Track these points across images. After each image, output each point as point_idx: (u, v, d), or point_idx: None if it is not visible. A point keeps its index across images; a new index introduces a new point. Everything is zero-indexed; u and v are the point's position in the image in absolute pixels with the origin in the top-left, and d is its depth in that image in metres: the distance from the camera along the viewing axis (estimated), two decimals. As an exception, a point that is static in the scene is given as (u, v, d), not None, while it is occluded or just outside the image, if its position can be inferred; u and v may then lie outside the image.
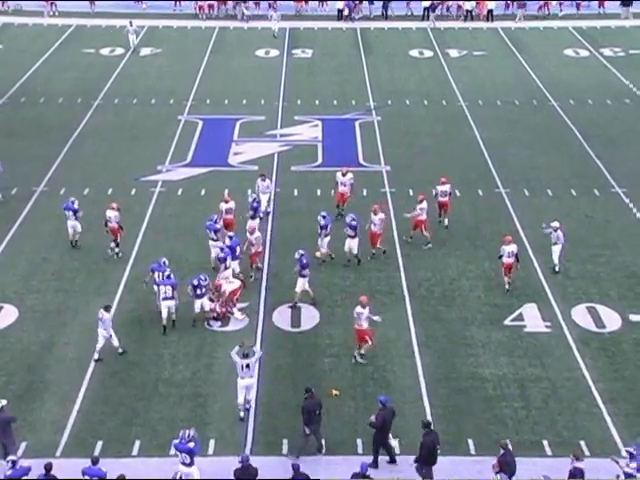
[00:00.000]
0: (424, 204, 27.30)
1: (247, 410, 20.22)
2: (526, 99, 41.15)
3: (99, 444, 19.28)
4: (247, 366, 19.90)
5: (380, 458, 18.76)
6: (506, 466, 17.26)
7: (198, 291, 23.12)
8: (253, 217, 26.92)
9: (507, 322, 23.94)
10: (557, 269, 26.13)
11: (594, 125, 37.86)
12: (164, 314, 23.20)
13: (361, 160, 34.48)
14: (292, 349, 22.70)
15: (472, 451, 19.07)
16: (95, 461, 17.26)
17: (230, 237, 25.37)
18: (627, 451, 17.56)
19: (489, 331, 23.49)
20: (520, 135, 36.96)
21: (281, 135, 36.99)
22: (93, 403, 20.59)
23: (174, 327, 23.34)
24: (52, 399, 20.68)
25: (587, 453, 18.74)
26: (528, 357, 22.45)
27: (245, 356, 19.99)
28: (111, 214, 26.80)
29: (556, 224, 25.98)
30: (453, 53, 48.29)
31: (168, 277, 23.36)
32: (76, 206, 27.31)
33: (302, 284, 24.17)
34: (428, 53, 48.38)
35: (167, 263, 23.97)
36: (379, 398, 18.89)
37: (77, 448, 19.10)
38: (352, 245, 26.14)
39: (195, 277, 23.41)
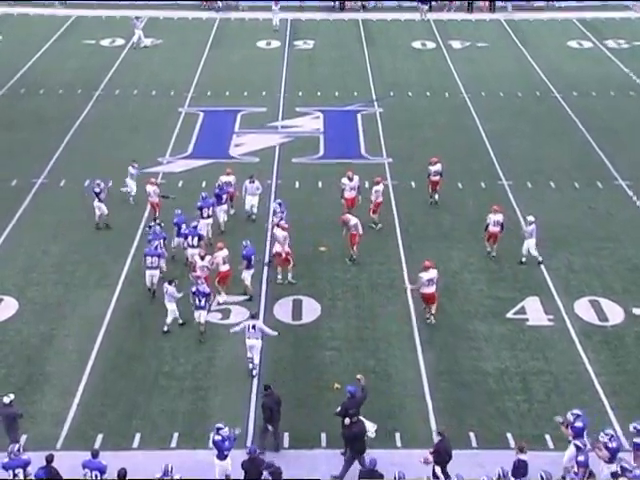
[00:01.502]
0: (380, 187, 27.78)
1: (255, 375, 21.11)
2: (529, 91, 41.03)
3: (99, 437, 19.28)
4: (253, 327, 20.84)
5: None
6: (443, 453, 17.29)
7: (197, 301, 22.41)
8: (219, 203, 27.37)
9: (509, 315, 23.90)
10: (523, 260, 26.10)
11: (597, 117, 37.76)
12: (147, 282, 24.23)
13: (363, 152, 34.40)
14: (293, 342, 22.68)
15: (474, 444, 19.06)
16: (95, 454, 17.22)
17: (177, 214, 26.04)
18: (635, 427, 17.63)
19: (491, 324, 23.46)
20: (523, 127, 36.87)
21: (282, 127, 36.91)
22: (93, 396, 20.59)
23: (154, 297, 24.05)
24: (52, 392, 20.67)
25: (589, 447, 18.69)
26: (530, 350, 22.42)
27: (252, 317, 21.26)
28: (150, 189, 27.83)
29: (532, 218, 26.01)
30: (456, 45, 48.13)
31: (156, 248, 24.24)
32: (97, 189, 27.68)
33: (247, 276, 24.13)
34: (431, 44, 48.24)
35: (160, 229, 25.07)
36: (347, 388, 18.69)
37: (77, 441, 19.11)
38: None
39: (193, 285, 22.83)
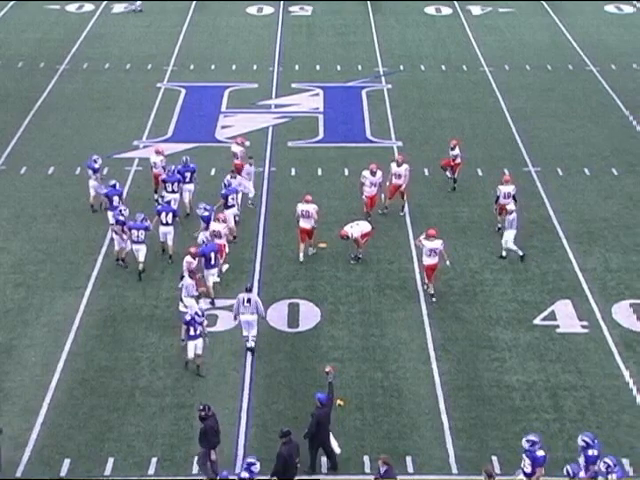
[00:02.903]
0: (405, 166, 28.38)
1: (252, 350, 22.33)
2: (560, 64, 41.09)
3: (66, 462, 19.29)
4: (248, 300, 22.04)
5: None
6: None
7: (192, 331, 21.61)
8: (184, 182, 28.12)
9: (537, 321, 23.96)
10: (504, 254, 26.48)
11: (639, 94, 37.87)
12: (139, 258, 25.38)
13: (369, 135, 34.46)
14: (289, 352, 22.74)
15: (497, 470, 19.09)
16: (62, 482, 17.32)
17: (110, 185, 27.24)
18: (584, 440, 17.82)
19: (516, 332, 23.51)
20: (553, 105, 36.93)
21: (276, 106, 36.96)
22: (59, 415, 20.61)
23: (144, 272, 25.23)
24: (12, 410, 20.67)
25: (631, 473, 18.77)
26: (561, 362, 22.47)
27: (247, 290, 22.27)
28: (156, 159, 28.84)
29: (512, 207, 26.33)
30: (475, 10, 48.19)
31: (142, 220, 25.40)
32: (97, 165, 28.36)
33: (207, 276, 24.45)
34: (446, 10, 48.29)
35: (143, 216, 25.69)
36: (317, 395, 18.95)
37: (41, 467, 19.11)
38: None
39: (187, 313, 22.09)
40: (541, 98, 37.56)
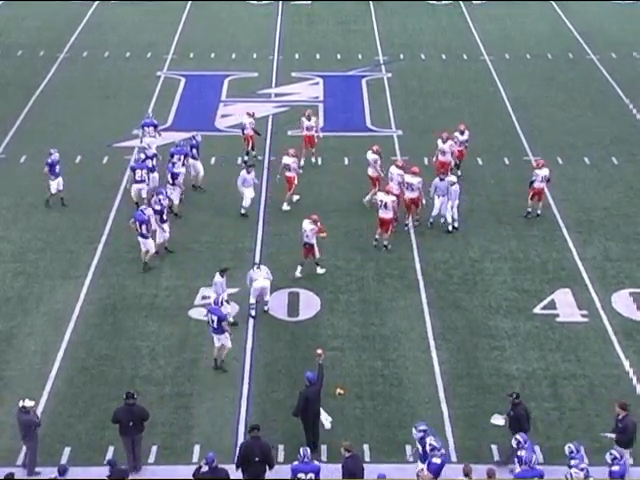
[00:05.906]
0: (450, 142, 29.06)
1: (253, 313, 23.45)
2: (561, 52, 41.02)
3: (66, 451, 19.34)
4: (258, 267, 23.28)
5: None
6: (349, 474, 17.34)
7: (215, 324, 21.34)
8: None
9: (537, 310, 23.97)
10: (455, 225, 27.22)
11: None
12: (134, 196, 27.44)
13: (369, 124, 34.41)
14: (289, 341, 22.76)
15: (496, 458, 19.14)
16: (62, 471, 17.30)
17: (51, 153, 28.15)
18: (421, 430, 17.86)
19: (516, 321, 23.53)
20: (553, 94, 36.87)
21: (276, 94, 36.91)
22: (59, 404, 20.65)
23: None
24: (12, 399, 20.63)
25: (630, 462, 18.75)
26: (561, 351, 22.49)
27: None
28: (246, 121, 30.65)
29: (453, 179, 27.06)
30: (476, -1, 48.16)
31: (143, 161, 27.57)
32: (156, 121, 30.30)
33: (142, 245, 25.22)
34: (447, -1, 48.25)
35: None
36: (306, 374, 19.17)
37: (41, 455, 19.09)
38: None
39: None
40: (541, 87, 37.51)
